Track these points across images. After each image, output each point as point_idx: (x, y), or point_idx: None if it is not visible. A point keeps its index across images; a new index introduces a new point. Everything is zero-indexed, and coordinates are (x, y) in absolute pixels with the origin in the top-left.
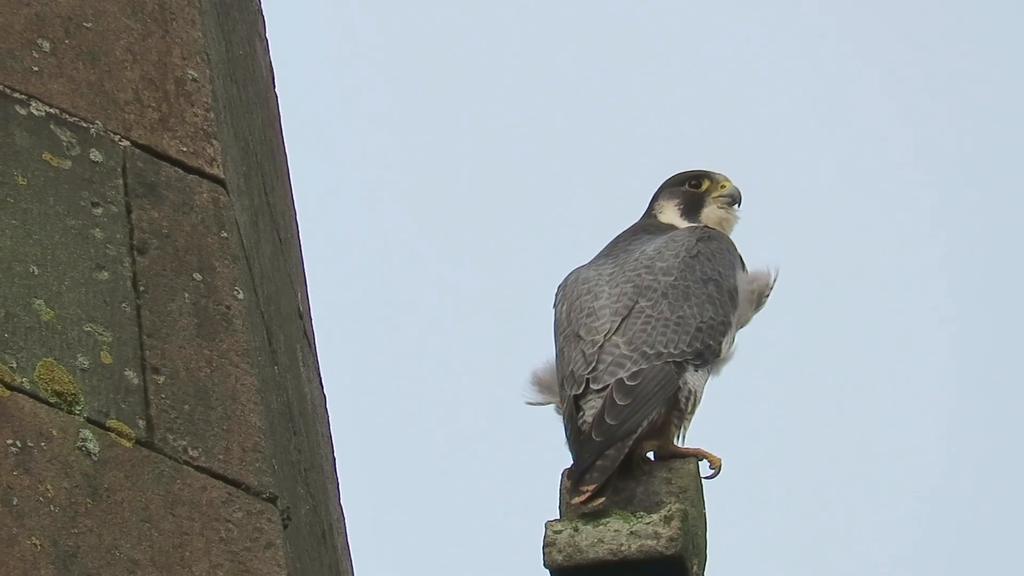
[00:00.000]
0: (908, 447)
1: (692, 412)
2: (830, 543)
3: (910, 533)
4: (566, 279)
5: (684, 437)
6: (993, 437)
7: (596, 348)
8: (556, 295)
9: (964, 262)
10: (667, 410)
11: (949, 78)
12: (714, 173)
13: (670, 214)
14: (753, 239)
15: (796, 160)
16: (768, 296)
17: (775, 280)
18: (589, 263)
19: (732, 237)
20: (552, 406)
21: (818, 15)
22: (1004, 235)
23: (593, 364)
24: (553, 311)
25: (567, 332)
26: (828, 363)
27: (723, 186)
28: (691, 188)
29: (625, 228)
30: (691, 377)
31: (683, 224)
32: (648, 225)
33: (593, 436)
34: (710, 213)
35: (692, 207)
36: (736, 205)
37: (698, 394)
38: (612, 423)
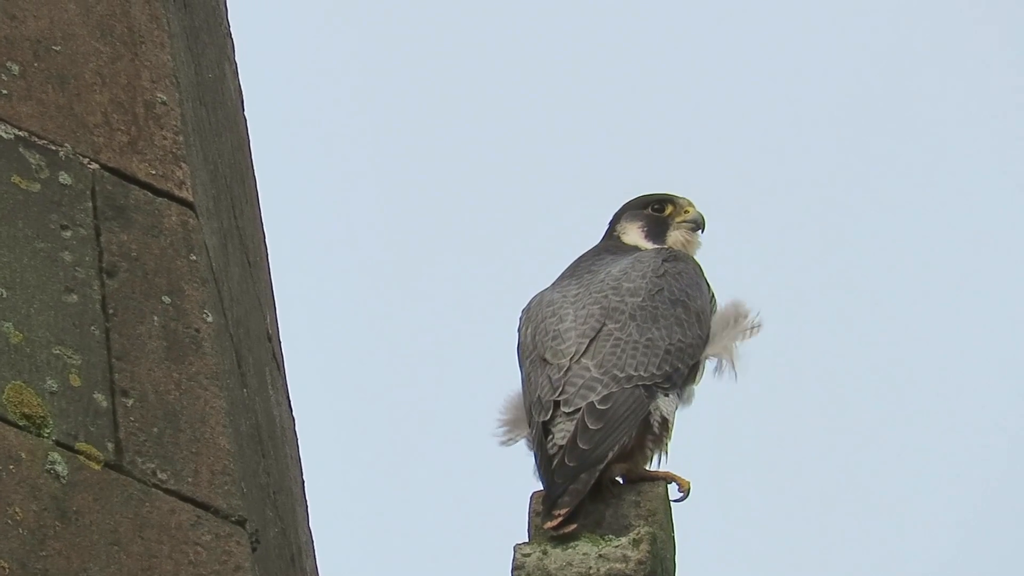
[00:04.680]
0: (875, 467)
1: (667, 437)
2: (799, 565)
3: (879, 554)
4: (530, 302)
5: (661, 462)
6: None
7: (563, 372)
8: (520, 318)
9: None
10: (639, 435)
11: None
12: (677, 198)
13: (634, 236)
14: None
15: (759, 174)
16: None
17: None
18: (552, 285)
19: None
20: (524, 440)
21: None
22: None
23: (560, 388)
24: (517, 334)
25: (533, 356)
26: (798, 385)
27: (687, 211)
28: (654, 212)
29: (587, 249)
30: (662, 402)
31: (648, 246)
32: (611, 246)
33: (566, 461)
34: (674, 238)
35: (656, 231)
36: (700, 231)
37: (670, 419)
38: (585, 448)
